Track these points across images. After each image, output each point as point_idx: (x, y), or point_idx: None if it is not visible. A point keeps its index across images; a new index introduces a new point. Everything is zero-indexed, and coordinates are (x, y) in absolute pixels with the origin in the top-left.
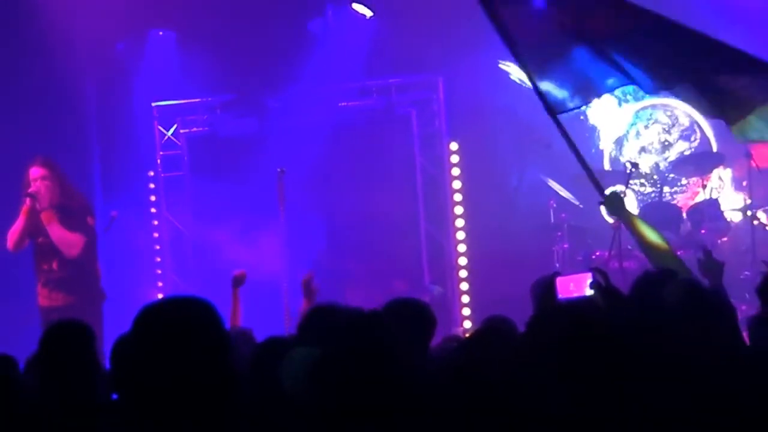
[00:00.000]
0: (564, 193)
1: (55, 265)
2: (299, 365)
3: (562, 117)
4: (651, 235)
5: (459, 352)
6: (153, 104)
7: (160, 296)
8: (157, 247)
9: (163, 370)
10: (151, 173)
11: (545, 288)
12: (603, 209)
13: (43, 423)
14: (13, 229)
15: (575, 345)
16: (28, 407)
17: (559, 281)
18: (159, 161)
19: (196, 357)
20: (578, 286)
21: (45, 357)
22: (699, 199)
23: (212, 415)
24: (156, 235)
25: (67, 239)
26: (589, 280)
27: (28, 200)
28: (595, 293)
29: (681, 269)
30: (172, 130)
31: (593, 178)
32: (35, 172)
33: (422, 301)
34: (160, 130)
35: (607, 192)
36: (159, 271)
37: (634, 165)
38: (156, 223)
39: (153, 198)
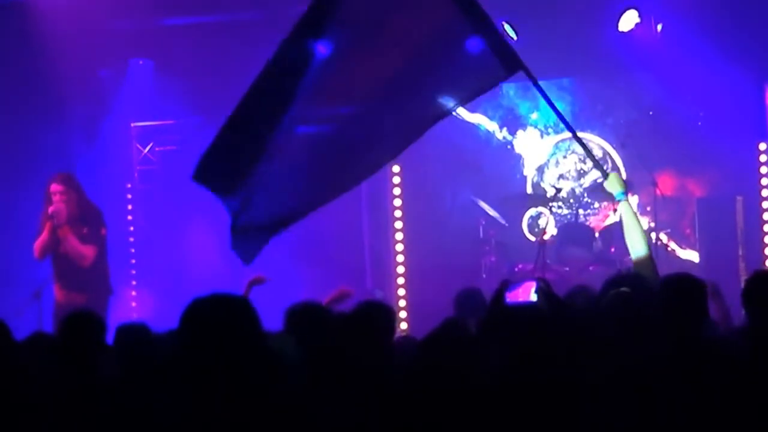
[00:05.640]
0: (492, 212)
1: (71, 271)
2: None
3: (492, 145)
4: (640, 232)
5: (422, 351)
6: (132, 124)
7: (134, 294)
8: (132, 251)
9: (206, 356)
10: (129, 185)
11: (495, 294)
12: (527, 231)
13: (60, 397)
14: (38, 243)
15: (522, 341)
16: (47, 383)
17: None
18: (136, 175)
19: (233, 341)
20: (525, 292)
21: (64, 340)
22: (610, 221)
23: (248, 397)
24: (131, 239)
25: (80, 252)
26: (533, 288)
27: (49, 221)
28: (539, 298)
29: (651, 274)
30: (148, 148)
31: (594, 160)
32: (55, 187)
33: (387, 304)
34: (137, 147)
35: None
36: (133, 272)
37: (558, 190)
38: (132, 229)
39: (129, 207)
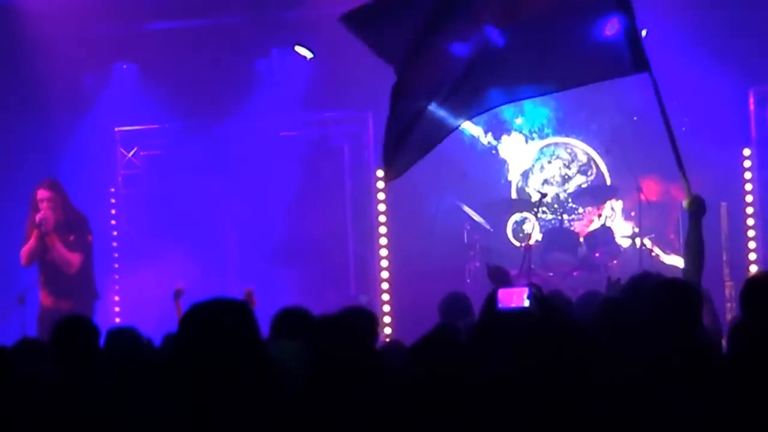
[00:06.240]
0: (476, 217)
1: (57, 277)
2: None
3: (476, 150)
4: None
5: (415, 356)
6: (116, 129)
7: (117, 298)
8: (116, 255)
9: (205, 360)
10: (113, 190)
11: (487, 300)
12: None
13: (54, 401)
14: (25, 250)
15: (517, 347)
16: (41, 388)
17: (501, 293)
18: (120, 179)
19: (233, 345)
20: (518, 298)
21: (57, 345)
22: (594, 226)
23: (243, 395)
24: (115, 244)
25: (67, 259)
26: (526, 293)
27: (36, 229)
28: (531, 304)
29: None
30: (132, 152)
31: (682, 170)
32: (42, 194)
33: (368, 309)
34: (121, 151)
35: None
36: (116, 276)
37: (543, 195)
38: (115, 233)
39: (113, 212)
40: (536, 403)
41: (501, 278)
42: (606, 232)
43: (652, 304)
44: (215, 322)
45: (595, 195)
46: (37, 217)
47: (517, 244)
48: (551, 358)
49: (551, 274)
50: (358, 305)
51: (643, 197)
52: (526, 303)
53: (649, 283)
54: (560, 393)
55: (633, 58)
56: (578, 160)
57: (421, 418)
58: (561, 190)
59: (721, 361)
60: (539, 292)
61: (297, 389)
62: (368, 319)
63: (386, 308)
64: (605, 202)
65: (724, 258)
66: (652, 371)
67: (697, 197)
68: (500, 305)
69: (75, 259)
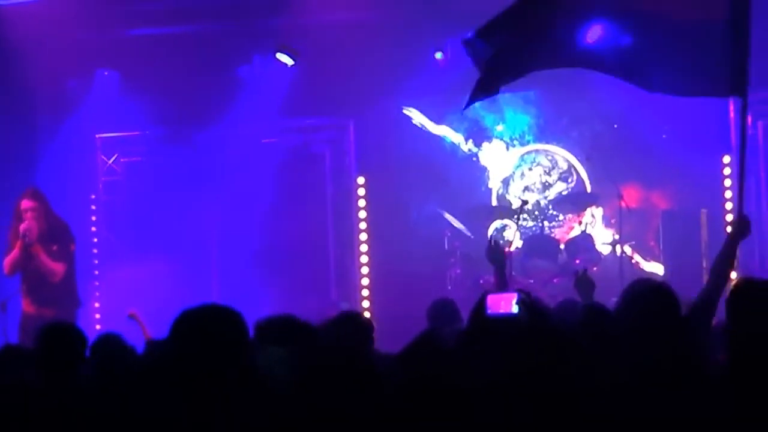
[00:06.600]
0: (457, 224)
1: (41, 286)
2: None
3: (457, 157)
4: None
5: (403, 363)
6: (97, 135)
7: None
8: (96, 262)
9: (195, 365)
10: (93, 196)
11: (476, 306)
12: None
13: (41, 409)
14: (8, 260)
15: (506, 353)
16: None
17: (490, 299)
18: (100, 186)
19: (221, 350)
20: (507, 304)
21: (44, 352)
22: (574, 233)
23: (234, 401)
24: (95, 251)
25: (50, 269)
26: (515, 299)
27: (20, 240)
28: (520, 310)
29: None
30: (113, 159)
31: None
32: (26, 204)
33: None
34: (102, 158)
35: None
36: (97, 283)
37: (524, 202)
38: (96, 240)
39: (94, 218)
40: (526, 408)
41: (498, 258)
42: (586, 239)
43: (638, 309)
44: (204, 328)
45: (575, 202)
46: (21, 227)
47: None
48: (540, 364)
49: (531, 280)
50: (354, 311)
51: (623, 204)
52: (515, 309)
53: (636, 289)
54: (549, 398)
55: (734, 80)
56: (559, 168)
57: (412, 424)
58: (541, 197)
59: (709, 368)
60: (528, 298)
61: (285, 396)
62: (363, 326)
63: (367, 315)
64: (585, 209)
65: (705, 265)
66: (637, 377)
67: (744, 218)
68: (489, 311)
69: (59, 268)
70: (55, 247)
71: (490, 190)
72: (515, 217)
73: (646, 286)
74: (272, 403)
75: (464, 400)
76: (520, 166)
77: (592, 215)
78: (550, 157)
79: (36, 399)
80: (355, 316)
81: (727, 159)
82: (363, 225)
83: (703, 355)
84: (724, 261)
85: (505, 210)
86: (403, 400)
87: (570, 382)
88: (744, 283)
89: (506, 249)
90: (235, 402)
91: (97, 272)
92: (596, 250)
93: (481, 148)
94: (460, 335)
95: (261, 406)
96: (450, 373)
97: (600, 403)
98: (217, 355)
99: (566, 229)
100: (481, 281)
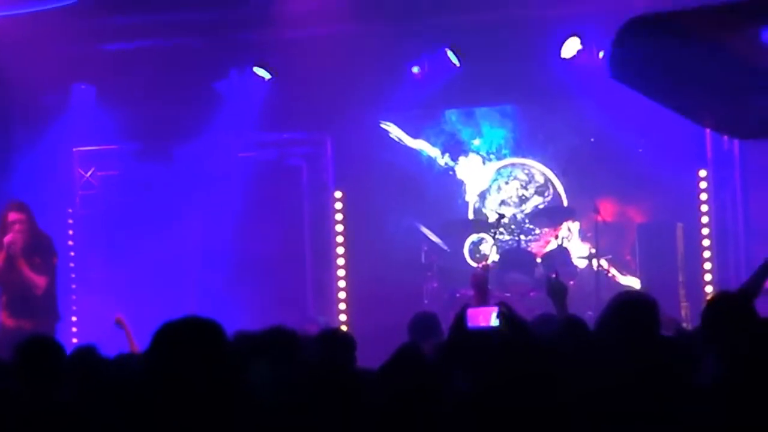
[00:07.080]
0: (434, 238)
1: (21, 298)
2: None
3: (434, 171)
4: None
5: (383, 377)
6: (74, 149)
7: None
8: (73, 276)
9: (175, 376)
10: (70, 210)
11: (456, 319)
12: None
13: (19, 421)
14: None
15: (487, 366)
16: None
17: (470, 312)
18: (77, 200)
19: (204, 364)
20: (486, 317)
21: (22, 365)
22: (551, 247)
23: (216, 415)
24: (72, 264)
25: (33, 281)
26: (495, 313)
27: (3, 251)
28: (501, 323)
29: None
30: (90, 173)
31: None
32: (13, 216)
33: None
34: (79, 172)
35: None
36: (74, 297)
37: (501, 216)
38: (72, 254)
39: (71, 232)
40: (506, 421)
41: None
42: (563, 252)
43: (617, 322)
44: (186, 341)
45: (551, 216)
46: (6, 239)
47: (475, 264)
48: (521, 377)
49: (508, 294)
50: (337, 328)
51: (599, 218)
52: (495, 322)
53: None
54: (531, 411)
55: None
56: (535, 181)
57: None
58: (518, 210)
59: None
60: (508, 311)
61: (269, 409)
62: (346, 342)
63: (344, 328)
64: (562, 223)
65: (680, 279)
66: (618, 389)
67: None
68: (469, 324)
69: (41, 281)
70: (38, 260)
71: (467, 203)
72: (492, 230)
73: (632, 297)
74: (255, 417)
75: (446, 413)
76: (497, 180)
77: (569, 229)
78: (526, 171)
79: (13, 411)
80: (338, 333)
81: (703, 173)
82: (340, 239)
83: (687, 365)
84: (753, 290)
85: (481, 224)
86: (385, 413)
87: (551, 394)
88: (719, 297)
89: (485, 266)
90: (216, 416)
91: (74, 286)
92: (573, 263)
93: (457, 162)
94: (440, 348)
95: (243, 421)
96: (431, 386)
97: (582, 415)
98: (199, 368)
99: (543, 243)
100: (458, 295)
